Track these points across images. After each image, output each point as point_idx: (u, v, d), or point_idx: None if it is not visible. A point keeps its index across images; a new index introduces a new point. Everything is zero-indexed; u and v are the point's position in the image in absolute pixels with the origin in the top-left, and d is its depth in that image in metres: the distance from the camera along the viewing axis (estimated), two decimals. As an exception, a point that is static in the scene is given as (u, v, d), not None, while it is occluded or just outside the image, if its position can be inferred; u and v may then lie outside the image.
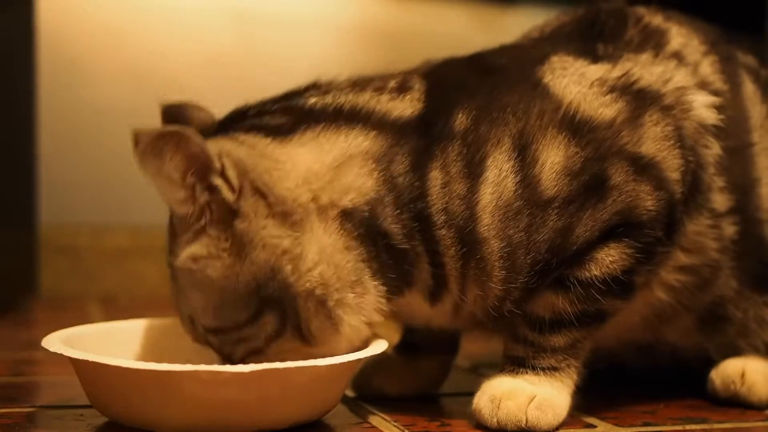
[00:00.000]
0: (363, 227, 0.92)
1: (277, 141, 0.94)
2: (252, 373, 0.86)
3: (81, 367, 0.92)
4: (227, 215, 0.90)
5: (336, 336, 0.93)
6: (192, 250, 0.91)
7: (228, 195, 0.89)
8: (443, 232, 0.93)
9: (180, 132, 0.86)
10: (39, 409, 1.03)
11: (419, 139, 0.95)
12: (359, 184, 0.93)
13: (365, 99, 0.97)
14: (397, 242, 0.93)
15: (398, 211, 0.93)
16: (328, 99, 0.97)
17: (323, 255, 0.91)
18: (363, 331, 0.95)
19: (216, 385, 0.86)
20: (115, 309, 1.86)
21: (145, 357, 1.05)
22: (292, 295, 0.91)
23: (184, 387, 0.86)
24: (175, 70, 2.17)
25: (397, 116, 0.96)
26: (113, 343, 1.05)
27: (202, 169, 0.88)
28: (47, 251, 2.07)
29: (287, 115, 0.96)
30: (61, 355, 0.91)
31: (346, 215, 0.92)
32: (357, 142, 0.94)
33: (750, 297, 1.08)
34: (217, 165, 0.88)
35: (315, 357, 0.91)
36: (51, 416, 1.00)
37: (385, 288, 0.94)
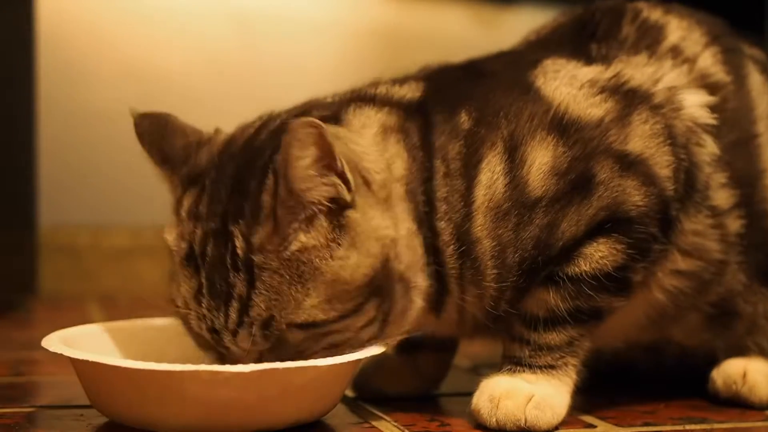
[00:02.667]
0: (417, 209, 0.93)
1: (345, 128, 0.95)
2: (252, 373, 0.86)
3: (81, 367, 0.92)
4: (336, 208, 0.88)
5: (405, 320, 0.93)
6: (303, 239, 0.88)
7: (345, 194, 0.88)
8: (443, 224, 0.94)
9: (323, 127, 0.85)
10: (39, 409, 1.03)
11: (422, 119, 0.96)
12: (398, 151, 0.95)
13: (365, 89, 1.00)
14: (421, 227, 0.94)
15: (422, 187, 0.94)
16: (335, 96, 1.00)
17: (408, 237, 0.92)
18: (415, 318, 0.94)
19: (216, 385, 0.86)
20: (115, 309, 1.86)
21: (145, 357, 1.05)
22: (392, 280, 0.90)
23: (184, 387, 0.86)
24: (176, 72, 2.17)
25: (399, 97, 0.98)
26: (113, 343, 1.05)
27: (327, 166, 0.87)
28: (47, 251, 2.07)
29: (322, 109, 0.97)
30: (61, 355, 0.91)
31: (406, 190, 0.93)
32: (380, 116, 0.96)
33: (759, 291, 1.08)
34: (339, 165, 0.87)
35: (364, 346, 0.92)
36: (51, 416, 1.00)
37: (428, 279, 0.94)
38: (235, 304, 0.88)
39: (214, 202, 0.91)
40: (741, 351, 1.10)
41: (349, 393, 1.08)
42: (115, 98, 2.12)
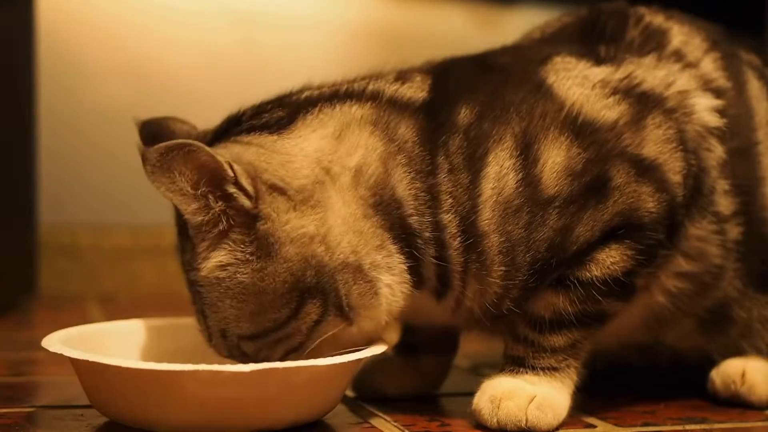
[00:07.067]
0: (377, 194, 0.93)
1: (282, 134, 0.94)
2: (252, 373, 0.86)
3: (81, 367, 0.92)
4: (247, 219, 0.89)
5: (376, 299, 0.92)
6: (218, 258, 0.89)
7: (245, 202, 0.88)
8: (449, 217, 0.93)
9: (187, 144, 0.86)
10: (39, 409, 1.03)
11: (426, 120, 0.96)
12: (363, 142, 0.94)
13: (362, 83, 0.99)
14: (411, 213, 0.93)
15: (411, 176, 0.93)
16: (324, 89, 0.99)
17: (347, 224, 0.91)
18: (397, 293, 0.93)
19: (216, 385, 0.86)
20: (115, 309, 1.86)
21: (145, 357, 1.05)
22: (329, 274, 0.90)
23: (184, 387, 0.86)
24: (176, 70, 2.17)
25: (398, 95, 0.98)
26: (113, 343, 1.05)
27: (214, 179, 0.87)
28: (47, 251, 2.07)
29: (285, 108, 0.97)
30: (61, 355, 0.91)
31: (359, 178, 0.92)
32: (351, 111, 0.96)
33: (754, 297, 1.08)
34: (230, 173, 0.87)
35: (354, 338, 0.92)
36: (51, 416, 1.00)
37: (404, 256, 0.93)
38: (200, 316, 0.94)
39: None
40: (737, 353, 1.10)
41: (349, 393, 1.08)
42: (115, 97, 2.12)
